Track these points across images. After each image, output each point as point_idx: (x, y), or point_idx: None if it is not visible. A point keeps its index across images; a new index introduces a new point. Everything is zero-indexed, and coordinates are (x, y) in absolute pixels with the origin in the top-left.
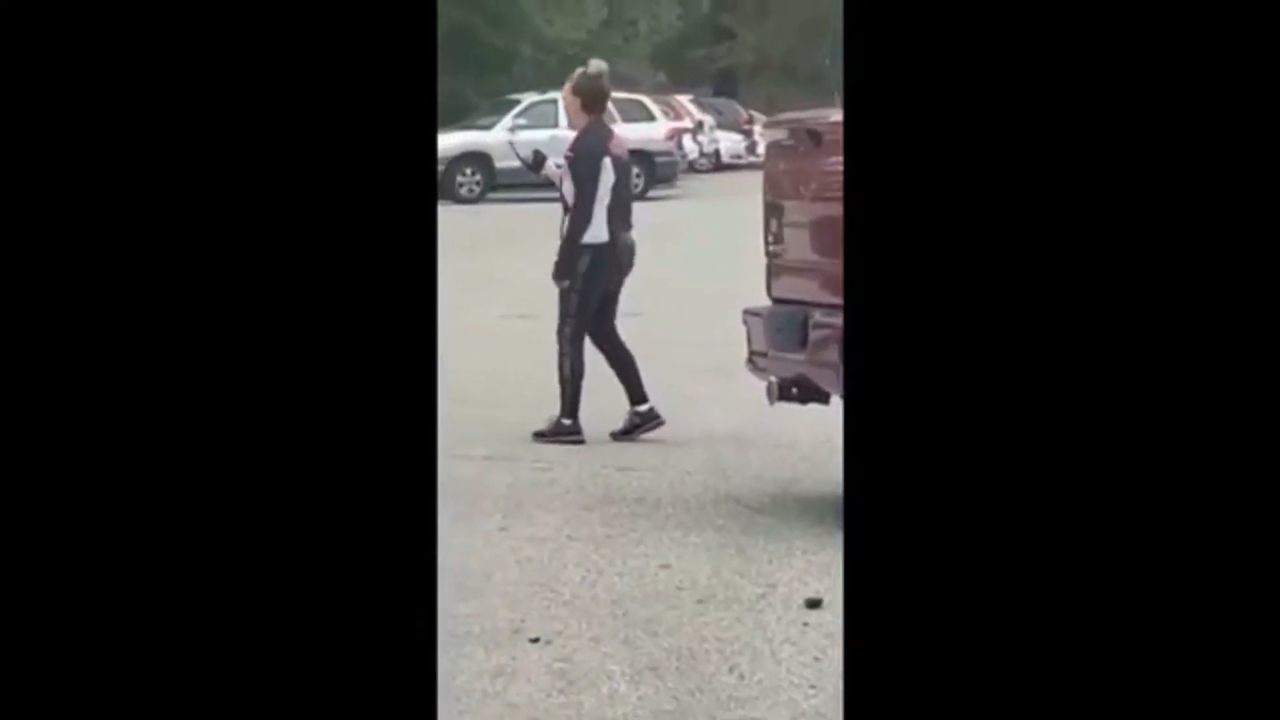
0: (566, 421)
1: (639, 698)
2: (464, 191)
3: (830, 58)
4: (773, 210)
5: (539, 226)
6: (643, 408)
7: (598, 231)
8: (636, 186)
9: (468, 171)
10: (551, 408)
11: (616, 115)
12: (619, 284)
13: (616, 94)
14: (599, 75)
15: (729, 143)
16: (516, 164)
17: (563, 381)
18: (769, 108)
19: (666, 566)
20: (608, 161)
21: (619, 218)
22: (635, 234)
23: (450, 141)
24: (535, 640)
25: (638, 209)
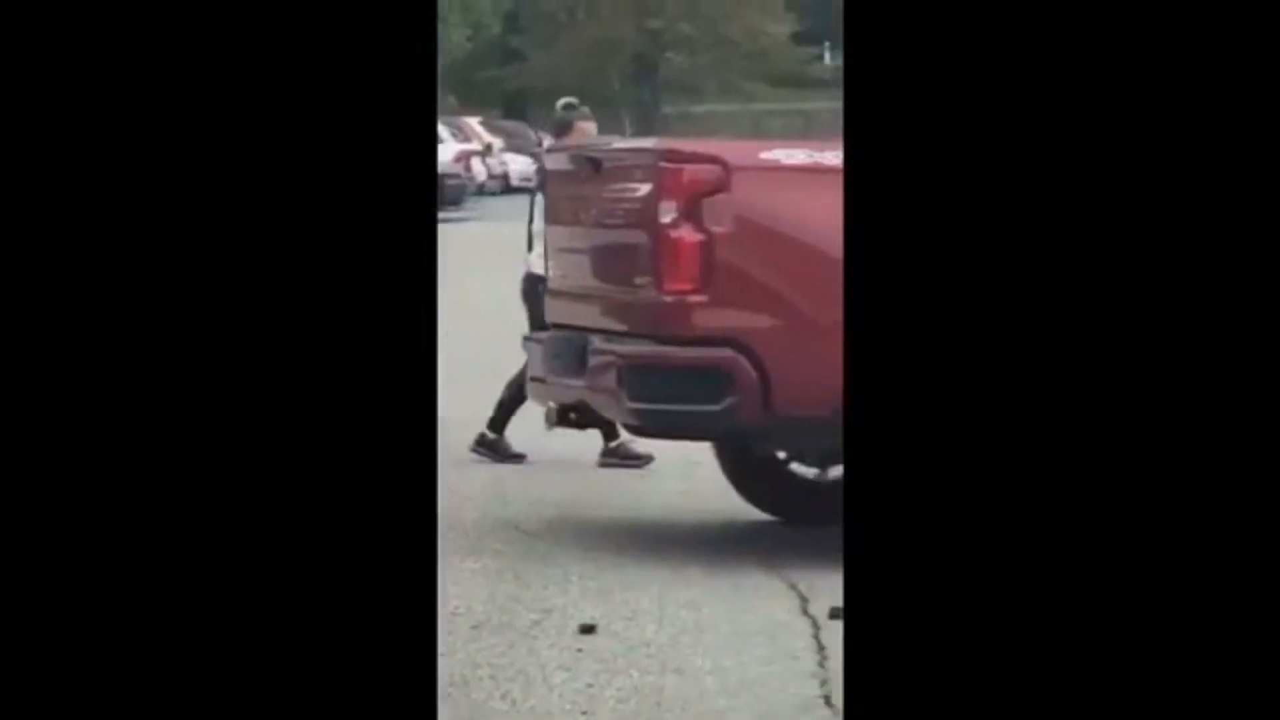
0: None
1: None
2: None
3: (620, 82)
4: (552, 236)
5: None
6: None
7: None
8: None
9: None
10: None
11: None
12: None
13: None
14: None
15: (518, 165)
16: None
17: None
18: None
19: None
20: None
21: None
22: None
23: None
24: None
25: None
